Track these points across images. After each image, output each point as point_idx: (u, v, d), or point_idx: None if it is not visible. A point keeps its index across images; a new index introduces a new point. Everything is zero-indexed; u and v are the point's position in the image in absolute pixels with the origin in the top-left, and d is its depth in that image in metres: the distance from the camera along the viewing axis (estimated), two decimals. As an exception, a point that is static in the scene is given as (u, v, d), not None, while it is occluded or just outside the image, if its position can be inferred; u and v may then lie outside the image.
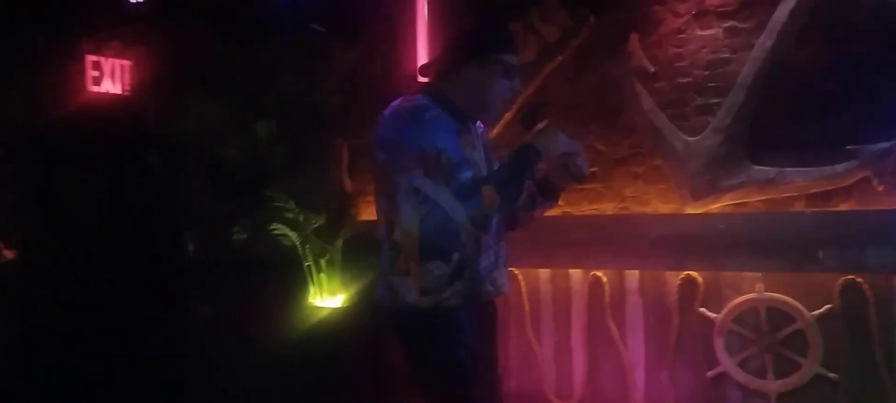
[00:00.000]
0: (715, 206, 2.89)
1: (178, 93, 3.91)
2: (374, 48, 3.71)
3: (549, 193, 1.91)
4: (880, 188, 2.59)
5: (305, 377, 3.46)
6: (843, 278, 2.64)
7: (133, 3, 3.78)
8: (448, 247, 1.69)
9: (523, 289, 3.31)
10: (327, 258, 3.66)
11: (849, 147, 2.62)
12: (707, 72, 2.96)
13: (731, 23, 2.91)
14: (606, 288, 3.10)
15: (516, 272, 3.32)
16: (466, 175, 1.64)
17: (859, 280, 2.62)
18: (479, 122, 1.87)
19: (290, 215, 3.66)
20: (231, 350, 3.59)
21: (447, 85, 1.80)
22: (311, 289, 3.69)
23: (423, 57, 3.00)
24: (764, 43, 2.80)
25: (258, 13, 3.73)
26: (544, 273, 3.26)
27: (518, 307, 3.32)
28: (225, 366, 3.57)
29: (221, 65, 3.80)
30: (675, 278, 2.96)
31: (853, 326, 2.64)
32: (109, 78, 4.03)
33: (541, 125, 1.80)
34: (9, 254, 3.82)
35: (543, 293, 3.27)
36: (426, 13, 3.03)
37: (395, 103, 1.78)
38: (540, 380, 3.27)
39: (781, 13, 2.75)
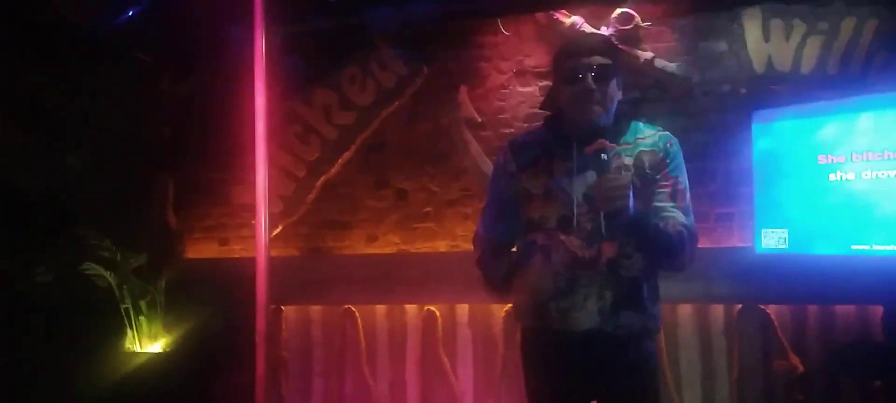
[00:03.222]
0: (535, 244, 3.20)
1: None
2: (207, 82, 3.61)
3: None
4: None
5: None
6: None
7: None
8: None
9: (360, 325, 3.36)
10: (148, 299, 3.43)
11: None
12: (526, 124, 3.30)
13: (546, 82, 3.28)
14: (439, 321, 3.26)
15: (353, 309, 3.37)
16: (480, 222, 1.89)
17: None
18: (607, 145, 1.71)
19: (106, 254, 3.38)
20: (37, 402, 3.19)
21: (554, 110, 1.88)
22: (129, 334, 3.42)
23: (260, 95, 2.98)
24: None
25: (77, 36, 3.45)
26: (381, 309, 3.36)
27: (354, 344, 3.36)
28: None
29: (30, 88, 3.44)
30: (500, 310, 3.21)
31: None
32: None
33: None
34: None
35: (379, 328, 3.36)
36: (264, 50, 3.02)
37: None
38: (375, 416, 3.33)
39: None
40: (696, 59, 3.11)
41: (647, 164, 1.73)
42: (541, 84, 3.28)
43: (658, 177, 1.74)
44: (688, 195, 1.76)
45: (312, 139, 3.49)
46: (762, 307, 2.98)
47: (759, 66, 3.02)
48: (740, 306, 2.99)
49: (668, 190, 1.74)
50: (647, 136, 1.77)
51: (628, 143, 1.75)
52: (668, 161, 1.75)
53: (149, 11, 3.44)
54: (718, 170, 3.04)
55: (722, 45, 3.08)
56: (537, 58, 3.28)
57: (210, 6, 3.39)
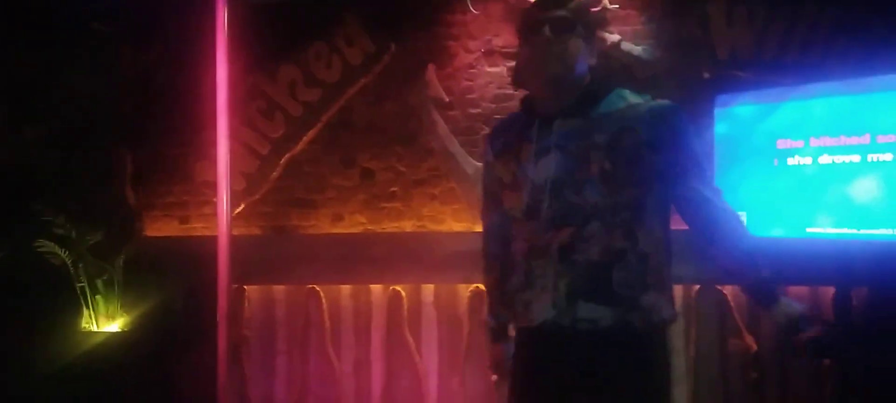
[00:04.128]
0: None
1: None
2: (169, 54, 3.50)
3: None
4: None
5: (78, 410, 3.11)
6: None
7: None
8: None
9: (324, 306, 3.34)
10: (105, 278, 3.34)
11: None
12: (494, 105, 3.30)
13: (512, 63, 3.27)
14: (404, 301, 3.26)
15: (318, 289, 3.35)
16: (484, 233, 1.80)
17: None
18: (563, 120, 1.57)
19: (60, 231, 3.28)
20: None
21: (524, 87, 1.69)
22: (86, 313, 3.34)
23: (222, 68, 2.90)
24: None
25: (33, 5, 3.31)
26: (346, 289, 3.34)
27: (318, 323, 3.34)
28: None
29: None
30: (465, 290, 3.22)
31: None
32: None
33: None
34: None
35: (344, 309, 3.34)
36: (226, 24, 2.94)
37: None
38: (339, 396, 3.32)
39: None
40: (662, 43, 3.15)
41: (634, 142, 1.52)
42: (509, 64, 3.28)
43: (660, 155, 1.53)
44: (708, 171, 1.61)
45: (277, 115, 3.43)
46: (719, 288, 3.06)
47: (722, 51, 3.07)
48: (698, 287, 3.07)
49: (680, 168, 1.55)
50: (633, 107, 1.56)
51: (604, 116, 1.54)
52: (669, 135, 1.54)
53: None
54: (681, 154, 3.09)
55: (687, 30, 3.12)
56: (506, 38, 3.28)
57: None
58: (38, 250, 3.23)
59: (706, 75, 3.10)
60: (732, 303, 3.05)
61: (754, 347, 3.04)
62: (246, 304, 3.41)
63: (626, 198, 1.52)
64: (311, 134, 3.43)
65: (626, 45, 3.15)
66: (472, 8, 3.30)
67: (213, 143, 3.07)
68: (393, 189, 3.38)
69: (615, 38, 3.14)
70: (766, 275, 1.52)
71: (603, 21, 3.14)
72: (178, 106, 3.46)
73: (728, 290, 3.04)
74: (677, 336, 3.06)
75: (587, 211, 1.52)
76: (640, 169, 1.52)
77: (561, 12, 1.54)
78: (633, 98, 1.59)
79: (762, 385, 3.06)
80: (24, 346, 3.20)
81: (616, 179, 1.51)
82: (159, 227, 3.59)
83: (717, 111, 2.91)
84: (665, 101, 1.59)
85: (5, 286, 3.23)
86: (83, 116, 3.47)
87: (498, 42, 3.31)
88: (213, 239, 2.89)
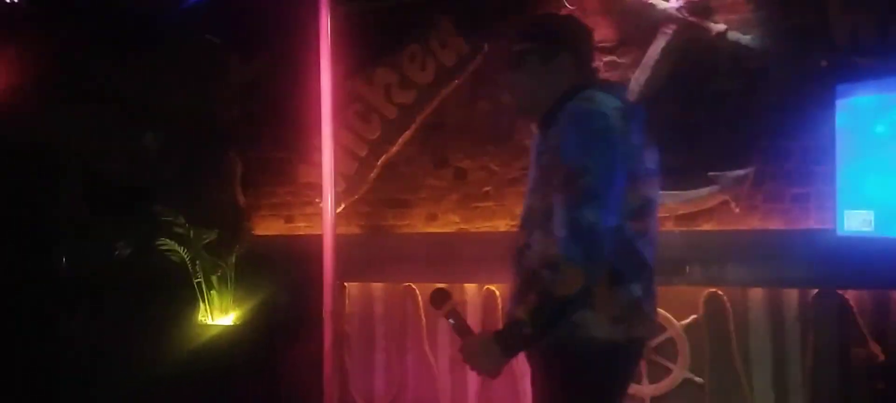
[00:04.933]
0: (597, 225, 3.14)
1: (59, 100, 3.66)
2: (274, 62, 3.68)
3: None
4: (737, 210, 2.94)
5: (195, 398, 3.33)
6: (707, 291, 2.96)
7: (7, 3, 3.49)
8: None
9: (421, 303, 3.39)
10: (219, 274, 3.57)
11: (710, 173, 2.96)
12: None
13: (610, 58, 3.18)
14: (499, 301, 3.26)
15: (414, 287, 3.41)
16: None
17: (720, 292, 2.94)
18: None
19: (180, 230, 3.54)
20: (115, 370, 3.39)
21: None
22: (202, 307, 3.58)
23: (326, 75, 3.02)
24: (639, 77, 3.08)
25: (148, 22, 3.58)
26: (441, 288, 3.36)
27: (415, 321, 3.40)
28: (109, 386, 3.36)
29: (105, 73, 3.61)
30: (562, 291, 3.16)
31: (714, 334, 2.96)
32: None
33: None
34: None
35: (439, 307, 3.37)
36: (329, 30, 3.05)
37: None
38: (436, 392, 3.36)
39: (654, 51, 3.05)
40: (772, 31, 2.94)
41: (549, 146, 1.48)
42: (606, 59, 3.18)
43: (555, 159, 1.44)
44: (582, 180, 1.38)
45: (373, 118, 3.51)
46: (840, 292, 2.83)
47: (840, 37, 2.83)
48: (816, 291, 2.85)
49: (556, 173, 1.43)
50: (564, 110, 1.49)
51: (555, 122, 1.50)
52: (556, 138, 1.45)
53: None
54: (795, 149, 2.89)
55: (801, 16, 2.90)
56: (602, 32, 3.18)
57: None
58: (160, 248, 3.50)
59: (824, 64, 2.86)
60: (855, 309, 2.81)
61: (881, 356, 2.78)
62: (346, 301, 3.53)
63: (548, 205, 1.46)
64: (405, 135, 3.49)
65: (733, 35, 2.96)
66: (567, 3, 3.23)
67: (316, 147, 3.21)
68: (486, 188, 3.38)
69: (721, 27, 2.97)
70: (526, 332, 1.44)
71: (708, 10, 2.98)
72: (282, 111, 3.63)
73: (851, 295, 2.80)
74: (793, 343, 2.86)
75: (531, 219, 1.55)
76: (550, 174, 1.48)
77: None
78: (584, 101, 1.49)
79: (890, 397, 2.80)
80: (148, 335, 3.48)
81: (537, 186, 1.55)
82: (266, 226, 3.78)
83: (838, 102, 2.68)
84: (574, 102, 1.49)
85: (132, 281, 3.53)
86: (197, 124, 3.72)
87: (594, 37, 3.21)
88: (315, 238, 3.02)
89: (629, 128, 1.48)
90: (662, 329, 2.98)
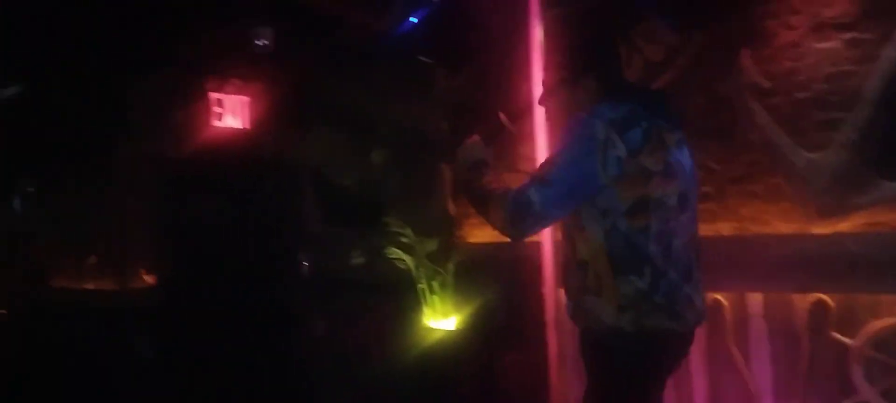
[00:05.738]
0: (842, 225, 2.78)
1: (296, 125, 4.17)
2: (480, 76, 3.82)
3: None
4: None
5: (421, 397, 3.60)
6: None
7: (256, 45, 4.04)
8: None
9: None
10: (439, 280, 3.81)
11: None
12: (827, 86, 2.85)
13: (851, 34, 2.79)
14: (727, 311, 3.03)
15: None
16: None
17: None
18: None
19: (406, 240, 3.84)
20: (351, 366, 3.78)
21: None
22: (426, 311, 3.84)
23: (537, 83, 3.06)
24: (890, 54, 2.67)
25: (370, 46, 3.93)
26: (659, 295, 3.23)
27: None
28: (345, 380, 3.76)
29: (338, 98, 4.03)
30: (802, 301, 2.86)
31: None
32: (230, 113, 4.33)
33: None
34: (149, 279, 4.19)
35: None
36: (541, 39, 3.09)
37: None
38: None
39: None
40: None
41: None
42: (844, 37, 2.81)
43: None
44: (545, 167, 1.77)
45: (581, 123, 3.48)
46: None
47: None
48: None
49: None
50: None
51: None
52: None
53: (426, 14, 3.77)
54: None
55: None
56: (840, 7, 2.81)
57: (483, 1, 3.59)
58: (390, 257, 3.83)
59: None
60: None
61: None
62: (560, 309, 3.54)
63: None
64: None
65: None
66: (791, -22, 2.91)
67: (523, 157, 3.27)
68: (705, 188, 3.15)
69: None
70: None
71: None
72: (487, 123, 3.74)
73: None
74: None
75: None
76: None
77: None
78: (586, 111, 1.82)
79: None
80: (379, 337, 3.83)
81: None
82: (477, 235, 3.94)
83: None
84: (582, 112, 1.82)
85: (365, 286, 3.91)
86: (414, 138, 4.00)
87: (829, 12, 2.85)
88: (526, 245, 3.07)
89: (618, 138, 1.69)
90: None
